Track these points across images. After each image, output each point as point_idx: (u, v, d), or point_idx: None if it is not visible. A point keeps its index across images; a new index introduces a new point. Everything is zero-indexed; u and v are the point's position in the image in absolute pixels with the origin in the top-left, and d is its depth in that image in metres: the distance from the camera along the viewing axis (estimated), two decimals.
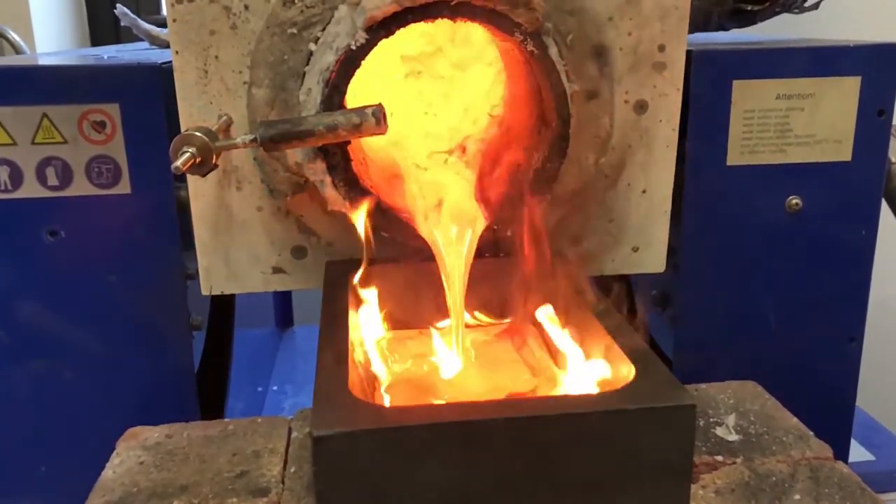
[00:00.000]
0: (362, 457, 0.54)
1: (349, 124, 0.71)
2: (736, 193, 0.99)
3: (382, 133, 0.73)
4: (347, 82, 0.76)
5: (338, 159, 0.79)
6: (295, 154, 0.80)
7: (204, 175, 0.75)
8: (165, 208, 0.92)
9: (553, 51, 0.80)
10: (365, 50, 0.75)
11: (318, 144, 0.76)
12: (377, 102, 0.73)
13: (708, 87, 0.95)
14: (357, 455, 0.54)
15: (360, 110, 0.72)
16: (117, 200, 0.91)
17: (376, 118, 0.71)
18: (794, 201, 1.00)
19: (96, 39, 2.44)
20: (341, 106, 0.77)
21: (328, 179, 0.79)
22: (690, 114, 0.94)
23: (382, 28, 0.75)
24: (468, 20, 0.77)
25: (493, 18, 0.76)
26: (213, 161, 0.73)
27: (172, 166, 0.70)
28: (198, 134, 0.73)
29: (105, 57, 1.04)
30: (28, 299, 0.93)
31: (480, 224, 0.83)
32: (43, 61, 1.09)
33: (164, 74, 0.87)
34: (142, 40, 1.23)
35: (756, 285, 1.03)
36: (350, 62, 0.76)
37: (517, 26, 0.77)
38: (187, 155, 0.71)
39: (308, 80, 0.79)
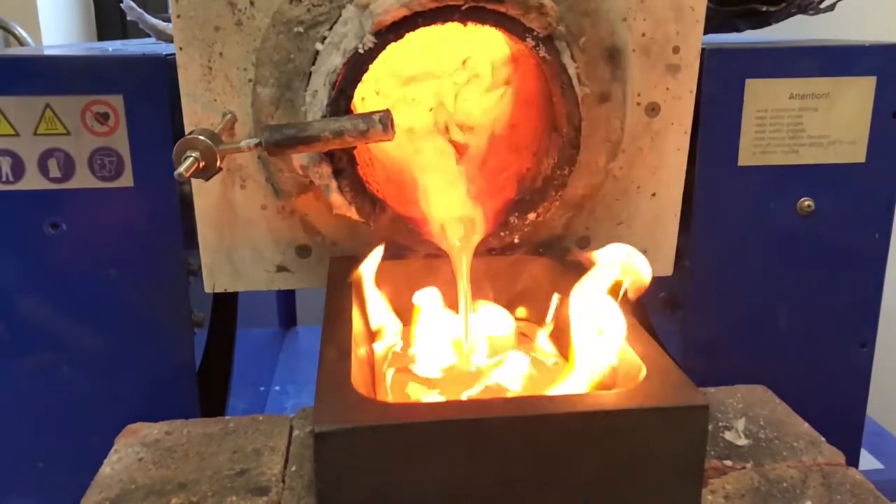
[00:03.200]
0: (365, 454, 0.53)
1: (356, 130, 0.71)
2: (747, 195, 0.98)
3: (390, 139, 0.72)
4: (355, 86, 0.75)
5: (343, 164, 0.78)
6: (300, 157, 0.79)
7: (207, 179, 0.74)
8: (168, 202, 0.91)
9: (565, 55, 0.78)
10: (373, 54, 0.74)
11: (324, 150, 0.75)
12: (384, 108, 0.72)
13: (720, 86, 0.93)
14: (359, 452, 0.53)
15: (367, 116, 0.71)
16: (120, 194, 0.90)
17: (383, 124, 0.70)
18: (806, 203, 0.98)
19: (103, 35, 2.44)
20: (348, 110, 0.76)
21: (334, 184, 0.79)
22: (702, 113, 0.93)
23: (391, 32, 0.74)
24: (479, 24, 0.75)
25: (504, 23, 0.75)
26: (217, 165, 0.73)
27: (176, 173, 0.69)
28: (201, 137, 0.72)
29: (110, 49, 1.04)
30: (28, 293, 0.92)
31: (479, 232, 0.82)
32: (47, 52, 1.08)
33: (168, 66, 0.86)
34: (149, 36, 1.22)
35: (766, 288, 1.02)
36: (357, 66, 0.75)
37: (529, 31, 0.75)
38: (190, 160, 0.70)
39: (314, 80, 0.79)
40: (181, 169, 0.69)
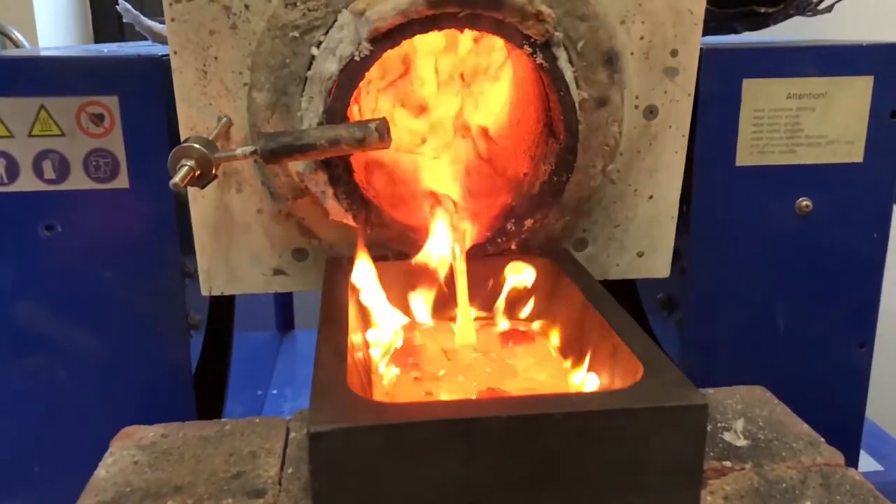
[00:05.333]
0: (361, 454, 0.53)
1: (352, 138, 0.70)
2: (745, 195, 0.98)
3: (386, 147, 0.72)
4: (350, 94, 0.75)
5: (340, 171, 0.78)
6: (296, 164, 0.79)
7: (203, 187, 0.74)
8: (164, 204, 0.91)
9: (563, 61, 0.78)
10: (368, 61, 0.74)
11: (320, 158, 0.75)
12: (381, 116, 0.72)
13: (718, 85, 0.93)
14: (355, 452, 0.53)
15: (363, 124, 0.71)
16: (115, 195, 0.90)
17: (379, 133, 0.70)
18: (804, 203, 0.98)
19: (100, 38, 2.45)
20: (344, 118, 0.75)
21: (330, 191, 0.78)
22: (699, 113, 0.93)
23: (387, 39, 0.73)
24: (476, 31, 0.75)
25: (502, 30, 0.75)
26: (213, 173, 0.72)
27: (171, 183, 0.69)
28: (196, 146, 0.72)
29: (105, 51, 1.03)
30: (23, 295, 0.92)
31: (469, 239, 0.81)
32: (42, 53, 1.08)
33: (164, 67, 0.86)
34: (145, 39, 1.22)
35: (764, 288, 1.02)
36: (353, 73, 0.74)
37: (527, 38, 0.75)
38: (186, 169, 0.70)
39: (310, 86, 0.78)
40: (176, 179, 0.69)
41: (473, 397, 0.69)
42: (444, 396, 0.71)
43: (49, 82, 0.86)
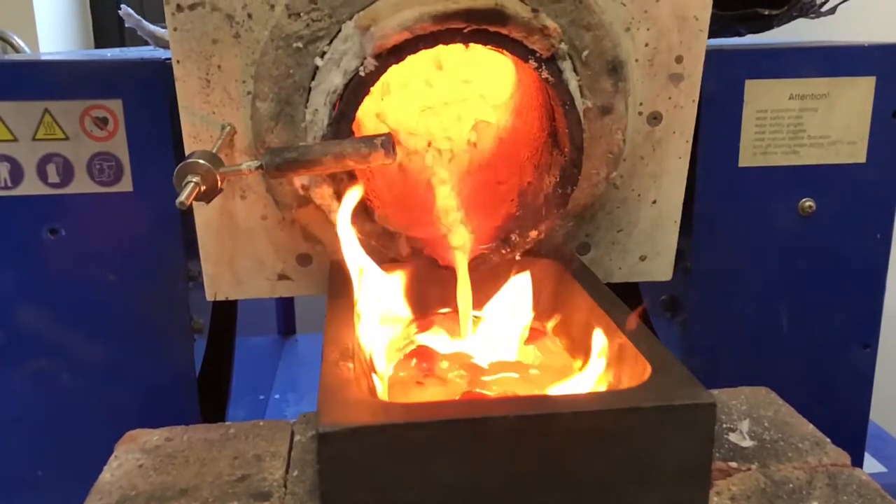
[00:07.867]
0: (369, 454, 0.53)
1: (357, 154, 0.70)
2: (748, 196, 0.98)
3: (391, 162, 0.72)
4: (356, 108, 0.75)
5: (345, 185, 0.78)
6: (301, 177, 0.79)
7: (209, 201, 0.74)
8: (168, 207, 0.90)
9: (568, 72, 0.78)
10: (374, 77, 0.73)
11: (325, 173, 0.75)
12: (386, 132, 0.72)
13: (720, 86, 0.93)
14: (364, 452, 0.53)
15: (368, 139, 0.71)
16: (119, 199, 0.90)
17: (385, 148, 0.70)
18: (807, 204, 0.98)
19: (100, 44, 2.45)
20: (349, 132, 0.75)
21: (335, 205, 0.78)
22: (702, 114, 0.92)
23: (392, 55, 0.73)
24: (481, 45, 0.75)
25: (507, 45, 0.74)
26: (218, 187, 0.73)
27: (178, 202, 0.69)
28: (201, 161, 0.72)
29: (108, 55, 1.03)
30: (27, 299, 0.92)
31: (468, 248, 0.82)
32: (45, 57, 1.08)
33: (167, 71, 0.85)
34: (147, 44, 1.22)
35: (768, 289, 1.02)
36: (358, 88, 0.74)
37: (532, 53, 0.75)
38: (191, 185, 0.70)
39: (314, 98, 0.78)
40: (182, 197, 0.69)
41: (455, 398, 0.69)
42: (433, 391, 0.71)
43: (53, 86, 0.87)
